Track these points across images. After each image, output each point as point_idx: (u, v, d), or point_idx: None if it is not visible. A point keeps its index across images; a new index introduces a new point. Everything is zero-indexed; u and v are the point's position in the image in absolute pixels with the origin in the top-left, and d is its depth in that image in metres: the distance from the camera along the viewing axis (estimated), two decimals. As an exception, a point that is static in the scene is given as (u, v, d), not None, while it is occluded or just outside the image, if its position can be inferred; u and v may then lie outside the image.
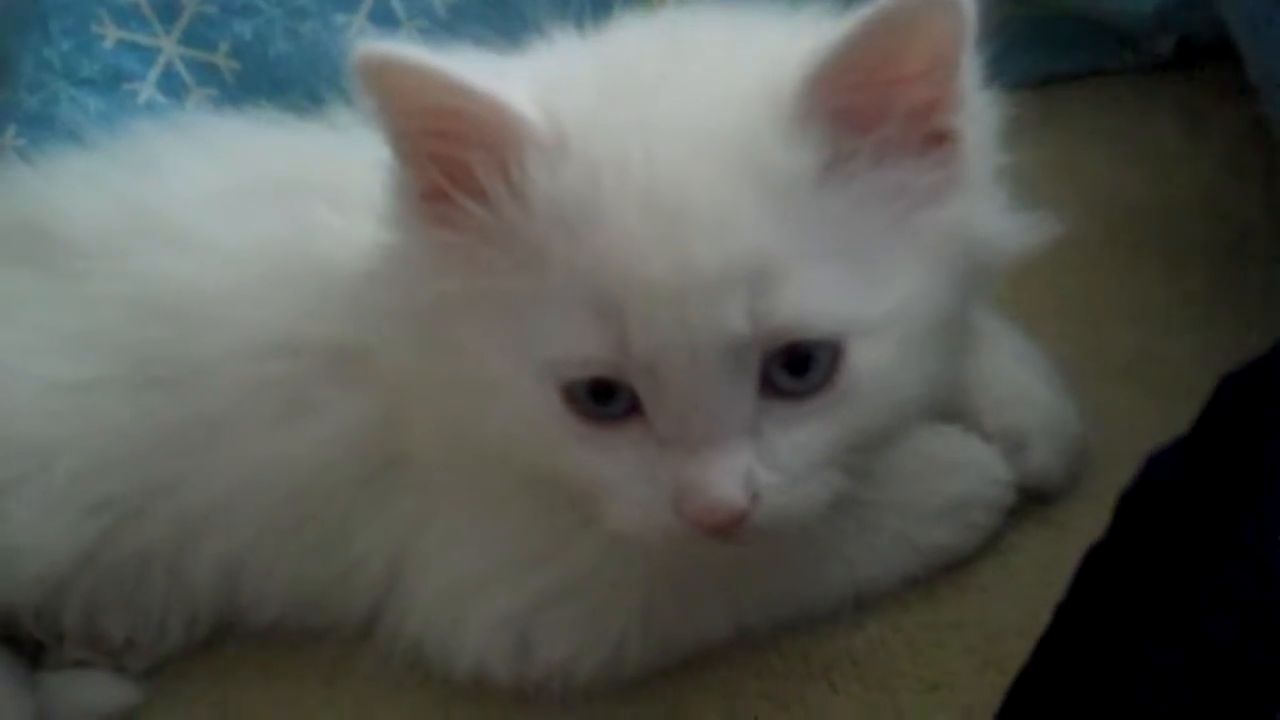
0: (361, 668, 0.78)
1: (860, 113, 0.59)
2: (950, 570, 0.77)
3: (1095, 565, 0.55)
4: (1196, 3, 1.05)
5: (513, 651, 0.73)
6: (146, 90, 1.05)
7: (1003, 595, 0.76)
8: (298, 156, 0.80)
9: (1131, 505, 0.55)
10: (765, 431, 0.60)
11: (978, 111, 0.63)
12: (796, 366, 0.60)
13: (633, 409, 0.61)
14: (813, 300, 0.59)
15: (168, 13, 1.05)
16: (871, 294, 0.60)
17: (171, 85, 1.06)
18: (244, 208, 0.77)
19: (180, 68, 1.06)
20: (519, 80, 0.61)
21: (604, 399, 0.61)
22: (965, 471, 0.77)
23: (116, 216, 0.79)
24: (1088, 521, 0.59)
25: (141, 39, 1.05)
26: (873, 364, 0.60)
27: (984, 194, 0.64)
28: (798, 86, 0.58)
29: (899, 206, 0.61)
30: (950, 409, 0.78)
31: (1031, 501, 0.79)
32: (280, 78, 1.06)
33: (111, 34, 1.05)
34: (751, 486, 0.60)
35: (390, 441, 0.73)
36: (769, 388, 0.60)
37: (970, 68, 0.61)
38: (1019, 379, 0.80)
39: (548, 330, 0.60)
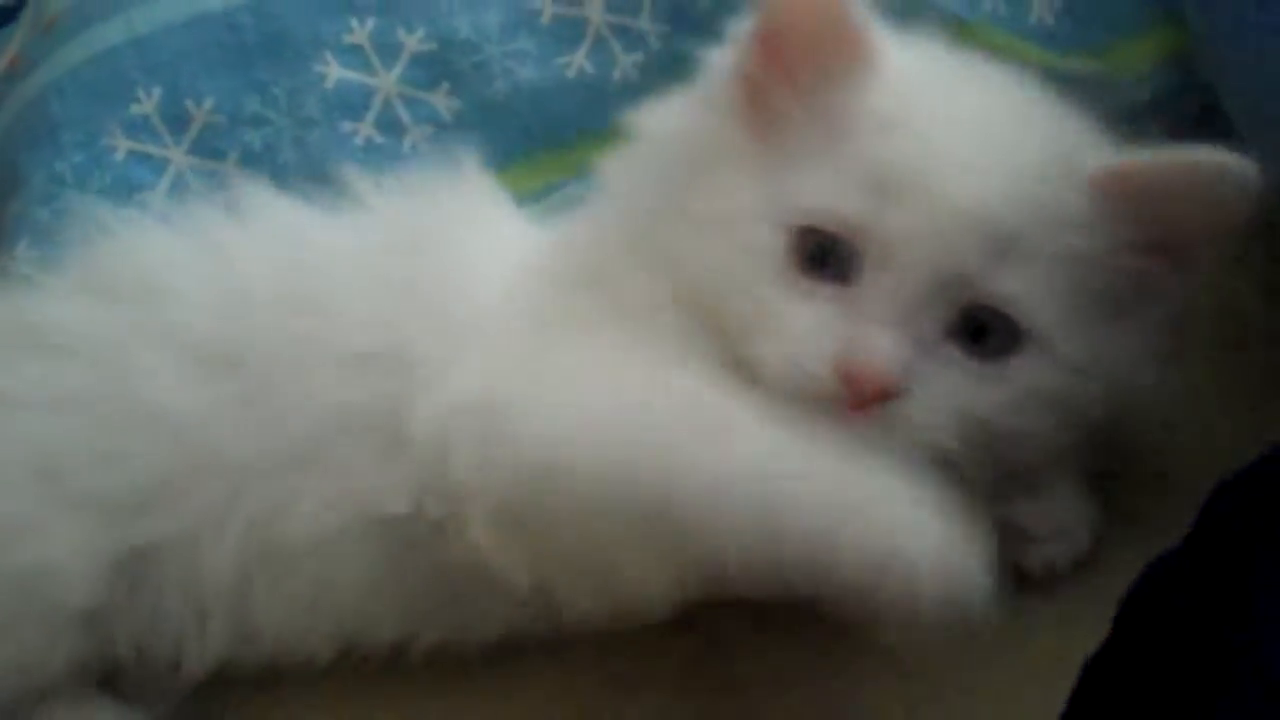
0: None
1: (1121, 224, 0.68)
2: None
3: (1093, 675, 0.55)
4: (1190, 90, 1.06)
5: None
6: (157, 200, 1.07)
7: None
8: None
9: (1128, 616, 0.55)
10: (933, 358, 0.66)
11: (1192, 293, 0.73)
12: (977, 333, 0.67)
13: (838, 278, 0.67)
14: (1034, 290, 0.66)
15: (177, 124, 1.07)
16: (1070, 334, 0.68)
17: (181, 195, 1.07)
18: None
19: (190, 178, 1.08)
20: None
21: (819, 263, 0.67)
22: None
23: None
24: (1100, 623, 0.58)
25: (152, 150, 1.07)
26: (1033, 375, 0.67)
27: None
28: (1095, 171, 0.68)
29: (1119, 305, 0.69)
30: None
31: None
32: (288, 187, 1.08)
33: (122, 145, 1.06)
34: (909, 378, 0.65)
35: None
36: (949, 334, 0.67)
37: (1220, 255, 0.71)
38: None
39: (818, 182, 0.67)
